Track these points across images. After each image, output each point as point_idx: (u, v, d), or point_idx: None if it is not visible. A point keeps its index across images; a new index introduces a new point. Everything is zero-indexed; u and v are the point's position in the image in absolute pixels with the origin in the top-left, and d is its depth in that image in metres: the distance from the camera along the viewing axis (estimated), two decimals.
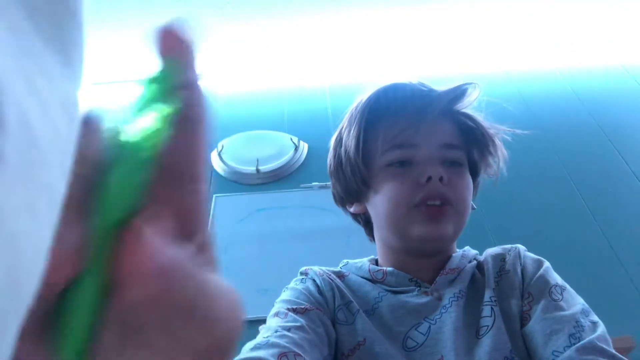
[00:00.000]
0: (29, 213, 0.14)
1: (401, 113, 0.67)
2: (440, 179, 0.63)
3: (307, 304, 0.61)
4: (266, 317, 0.69)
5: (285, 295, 0.65)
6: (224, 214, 1.77)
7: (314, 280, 0.67)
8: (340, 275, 0.70)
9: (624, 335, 1.31)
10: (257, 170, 1.91)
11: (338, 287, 0.66)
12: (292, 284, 0.68)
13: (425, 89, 0.69)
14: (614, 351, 0.54)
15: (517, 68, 2.36)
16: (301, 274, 0.70)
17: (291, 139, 2.00)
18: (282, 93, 2.28)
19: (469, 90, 0.69)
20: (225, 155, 1.96)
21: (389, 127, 0.67)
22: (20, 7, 0.14)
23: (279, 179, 1.91)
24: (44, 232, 0.15)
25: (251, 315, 1.44)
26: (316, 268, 0.70)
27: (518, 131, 0.74)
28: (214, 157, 1.97)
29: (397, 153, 0.66)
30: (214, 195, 1.83)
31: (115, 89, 2.34)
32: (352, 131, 0.69)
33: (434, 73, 2.29)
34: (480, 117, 0.72)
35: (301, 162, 1.95)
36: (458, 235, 0.68)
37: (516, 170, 1.86)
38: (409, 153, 0.66)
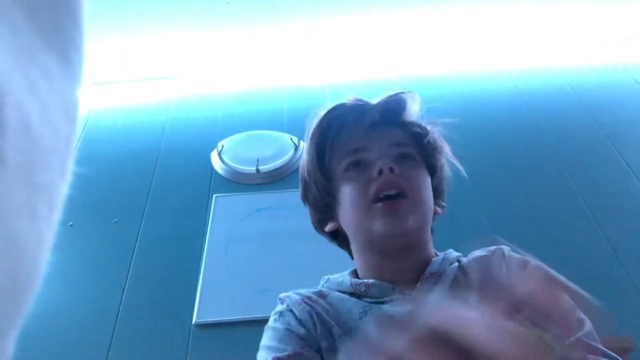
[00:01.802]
0: (29, 213, 0.14)
1: (344, 126, 0.73)
2: (391, 170, 0.66)
3: (291, 347, 0.61)
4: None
5: (268, 339, 0.65)
6: (224, 214, 1.77)
7: (292, 312, 0.66)
8: (321, 295, 0.69)
9: (624, 335, 1.31)
10: (257, 170, 1.91)
11: (318, 314, 0.66)
12: (271, 322, 0.67)
13: (361, 102, 0.75)
14: (601, 346, 0.55)
15: (516, 66, 2.36)
16: (280, 300, 0.70)
17: (291, 139, 2.00)
18: (282, 93, 2.28)
19: (408, 102, 0.74)
20: (225, 155, 1.96)
21: (337, 139, 0.73)
22: (20, 8, 0.14)
23: (279, 179, 1.91)
24: (44, 232, 0.15)
25: (251, 315, 1.46)
26: (294, 295, 0.69)
27: (447, 120, 0.77)
28: (214, 157, 1.97)
29: (350, 158, 0.71)
30: (214, 196, 1.83)
31: (115, 89, 2.34)
32: (309, 153, 0.77)
33: (434, 72, 2.30)
34: (422, 120, 0.76)
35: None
36: (423, 228, 0.69)
37: (516, 170, 1.87)
38: (361, 156, 0.70)
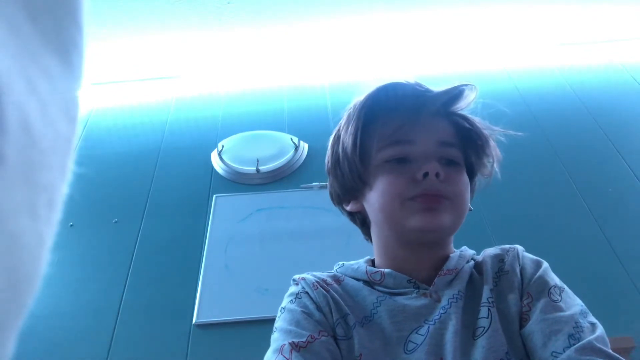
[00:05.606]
0: (29, 213, 0.14)
1: (397, 111, 0.67)
2: (437, 175, 0.62)
3: (308, 331, 0.59)
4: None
5: (284, 321, 0.62)
6: (224, 214, 1.77)
7: (308, 295, 0.65)
8: (336, 279, 0.68)
9: (624, 335, 1.31)
10: (257, 170, 1.91)
11: (333, 298, 0.64)
12: (287, 303, 0.65)
13: (422, 88, 0.68)
14: (612, 352, 0.54)
15: (517, 66, 2.36)
16: (294, 282, 0.69)
17: (291, 139, 2.00)
18: (282, 93, 2.28)
19: (466, 92, 0.69)
20: (225, 155, 1.96)
21: (385, 124, 0.67)
22: (20, 8, 0.14)
23: (279, 179, 1.91)
24: (44, 232, 0.15)
25: (251, 315, 1.46)
26: (309, 277, 0.68)
27: (511, 132, 0.73)
28: (214, 157, 1.97)
29: (393, 149, 0.65)
30: (214, 196, 1.83)
31: (115, 89, 2.34)
32: (349, 129, 0.68)
33: (434, 71, 2.30)
34: (476, 118, 0.71)
35: (301, 162, 1.95)
36: (455, 229, 0.67)
37: (516, 170, 1.87)
38: (405, 150, 0.65)
